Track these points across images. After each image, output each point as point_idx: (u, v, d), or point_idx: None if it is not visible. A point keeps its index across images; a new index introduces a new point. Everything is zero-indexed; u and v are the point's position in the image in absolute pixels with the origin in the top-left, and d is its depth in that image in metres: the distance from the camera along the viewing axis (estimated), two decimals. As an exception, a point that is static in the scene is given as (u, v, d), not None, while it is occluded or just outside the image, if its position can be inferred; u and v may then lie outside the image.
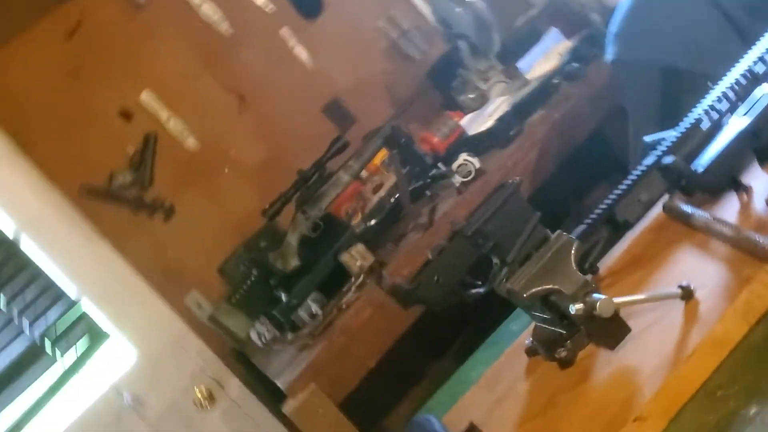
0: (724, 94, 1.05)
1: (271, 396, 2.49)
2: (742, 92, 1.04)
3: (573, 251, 0.87)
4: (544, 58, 2.34)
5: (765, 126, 0.95)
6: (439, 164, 2.20)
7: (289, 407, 1.88)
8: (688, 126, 1.04)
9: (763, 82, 1.02)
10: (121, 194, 2.48)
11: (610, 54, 1.80)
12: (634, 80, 1.80)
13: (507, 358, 1.05)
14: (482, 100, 2.46)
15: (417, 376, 2.68)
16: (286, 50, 2.70)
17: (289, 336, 2.08)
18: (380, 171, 2.45)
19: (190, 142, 2.55)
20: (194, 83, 2.60)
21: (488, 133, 2.21)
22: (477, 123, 2.31)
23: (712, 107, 1.04)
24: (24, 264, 2.40)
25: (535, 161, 2.11)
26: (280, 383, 1.93)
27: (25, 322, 2.37)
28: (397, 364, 2.59)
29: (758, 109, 0.96)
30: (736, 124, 0.97)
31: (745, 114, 0.96)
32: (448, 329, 2.60)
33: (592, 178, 2.57)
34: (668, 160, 0.96)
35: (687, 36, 1.65)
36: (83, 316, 2.44)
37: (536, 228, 0.90)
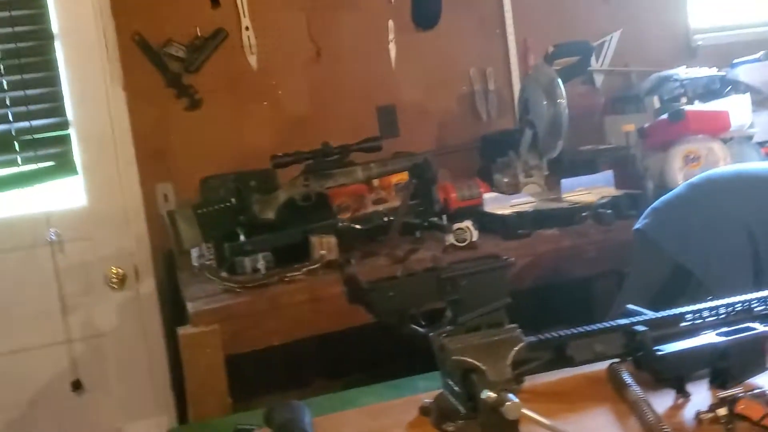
0: (716, 310, 1.08)
1: (171, 313, 2.50)
2: (731, 317, 1.08)
3: (516, 349, 0.89)
4: (586, 189, 2.38)
5: (733, 353, 0.98)
6: (443, 217, 2.23)
7: (184, 331, 1.88)
8: (671, 315, 1.08)
9: (756, 320, 1.06)
10: (165, 62, 2.49)
11: (640, 223, 1.84)
12: (647, 257, 1.83)
13: (400, 403, 1.06)
14: (513, 189, 2.50)
15: (302, 381, 2.69)
16: (381, 39, 2.74)
17: (224, 274, 2.08)
18: (391, 189, 2.48)
19: (251, 60, 2.58)
20: (287, 15, 2.64)
21: (501, 219, 2.24)
22: (496, 205, 2.34)
23: (699, 313, 1.08)
24: (47, 63, 2.40)
25: (520, 268, 2.13)
26: (190, 307, 1.93)
27: (12, 112, 2.37)
28: (293, 358, 2.61)
29: (735, 337, 1.00)
30: (710, 338, 1.00)
31: (720, 334, 1.00)
32: (354, 362, 2.62)
33: (553, 317, 2.60)
34: (639, 328, 0.98)
35: (712, 251, 1.69)
36: (65, 142, 2.44)
37: (500, 310, 0.92)
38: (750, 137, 2.57)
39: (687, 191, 1.83)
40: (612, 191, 2.36)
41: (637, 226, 1.84)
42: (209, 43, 2.51)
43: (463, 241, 2.12)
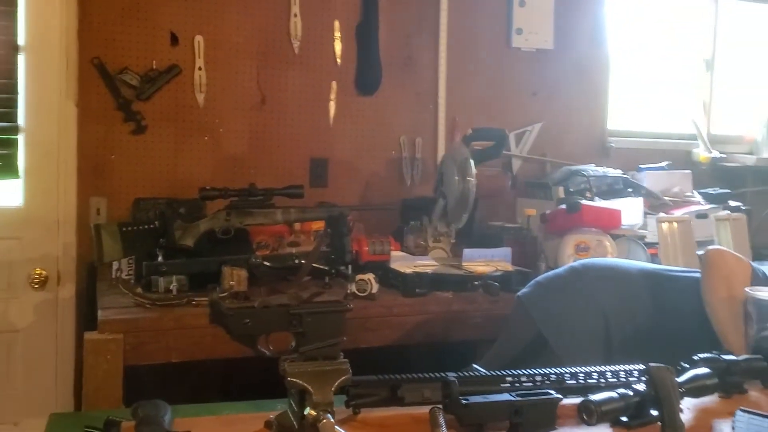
0: (534, 377, 1.31)
1: (86, 320, 2.63)
2: (545, 384, 1.30)
3: (341, 379, 1.09)
4: (485, 261, 2.60)
5: (526, 411, 1.19)
6: (349, 266, 2.42)
7: (89, 336, 2.02)
8: (494, 374, 1.29)
9: (562, 390, 1.27)
10: (118, 87, 2.67)
11: (522, 291, 2.07)
12: (518, 320, 2.05)
13: (251, 417, 1.24)
14: (421, 251, 2.71)
15: (199, 400, 2.81)
16: (323, 97, 2.97)
17: (138, 289, 2.24)
18: (310, 235, 2.67)
19: (199, 98, 2.78)
20: (239, 62, 2.85)
21: (402, 276, 2.44)
22: (401, 263, 2.54)
23: (518, 378, 1.30)
24: (8, 72, 2.56)
25: (413, 325, 2.33)
26: (100, 315, 2.08)
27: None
28: (187, 376, 2.74)
29: (526, 398, 1.20)
30: (507, 396, 1.21)
31: (520, 394, 1.20)
32: (250, 387, 2.75)
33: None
34: (451, 377, 1.19)
35: (569, 328, 1.93)
36: (12, 146, 2.58)
37: (336, 345, 1.12)
38: (641, 237, 2.84)
39: (565, 272, 2.07)
40: (507, 266, 2.58)
41: (519, 293, 2.07)
42: (163, 76, 2.71)
43: (364, 292, 2.32)
